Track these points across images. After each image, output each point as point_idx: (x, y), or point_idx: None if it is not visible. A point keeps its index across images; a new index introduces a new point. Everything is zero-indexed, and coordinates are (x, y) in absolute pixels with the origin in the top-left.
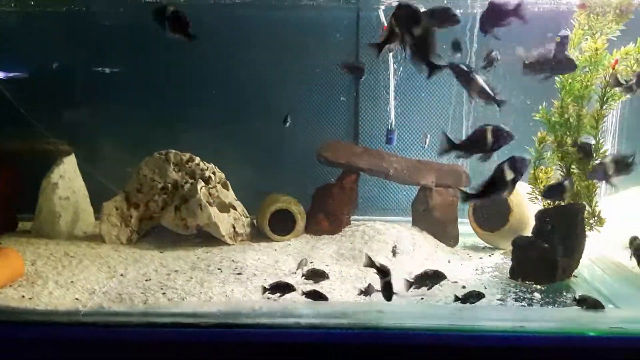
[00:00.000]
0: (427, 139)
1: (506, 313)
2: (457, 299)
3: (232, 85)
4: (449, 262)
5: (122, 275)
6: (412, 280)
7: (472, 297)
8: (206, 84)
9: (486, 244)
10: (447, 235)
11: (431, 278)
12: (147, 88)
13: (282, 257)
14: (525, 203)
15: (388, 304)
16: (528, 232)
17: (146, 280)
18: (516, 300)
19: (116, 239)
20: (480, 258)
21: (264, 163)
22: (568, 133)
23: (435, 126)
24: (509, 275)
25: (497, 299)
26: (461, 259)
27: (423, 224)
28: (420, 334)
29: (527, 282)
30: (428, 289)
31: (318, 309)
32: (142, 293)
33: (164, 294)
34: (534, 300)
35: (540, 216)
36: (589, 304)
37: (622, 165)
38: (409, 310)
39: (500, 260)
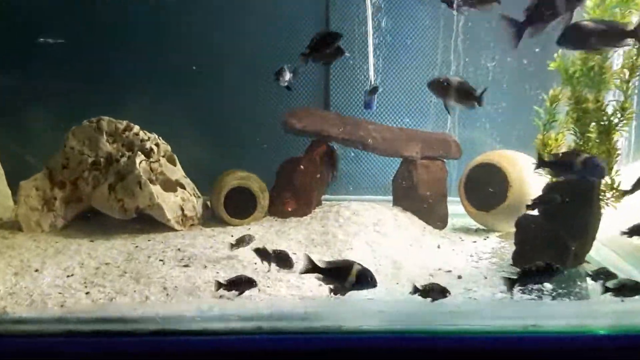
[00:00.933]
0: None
1: (513, 309)
2: (416, 290)
3: (183, 45)
4: (438, 247)
5: (36, 271)
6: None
7: (435, 291)
8: (150, 43)
9: (479, 226)
10: (434, 215)
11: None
12: (78, 48)
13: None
14: (526, 176)
15: (366, 301)
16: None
17: (67, 277)
18: (523, 292)
19: (36, 226)
20: (474, 242)
21: (219, 136)
22: (590, 87)
23: (422, 84)
24: (511, 262)
25: (501, 292)
26: (452, 243)
27: (406, 203)
28: (412, 337)
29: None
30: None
31: (283, 309)
32: (59, 293)
33: (87, 293)
34: (545, 292)
35: (548, 191)
36: (629, 289)
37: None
38: (396, 309)
39: (497, 244)
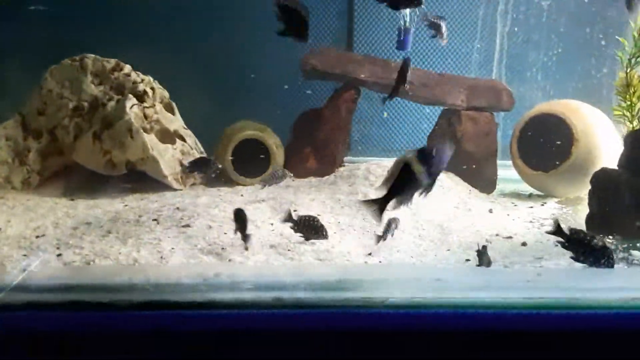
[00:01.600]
0: None
1: (602, 279)
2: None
3: None
4: (490, 211)
5: None
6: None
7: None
8: None
9: (533, 191)
10: (481, 176)
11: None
12: None
13: (251, 205)
14: (594, 129)
15: (413, 267)
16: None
17: (37, 237)
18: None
19: (5, 182)
20: (530, 207)
21: (224, 83)
22: None
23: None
24: (585, 227)
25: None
26: (504, 209)
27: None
28: (493, 313)
29: (613, 235)
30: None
31: (309, 275)
32: (24, 255)
33: (58, 256)
34: (635, 261)
35: (634, 140)
36: None
37: None
38: (456, 277)
39: (559, 210)
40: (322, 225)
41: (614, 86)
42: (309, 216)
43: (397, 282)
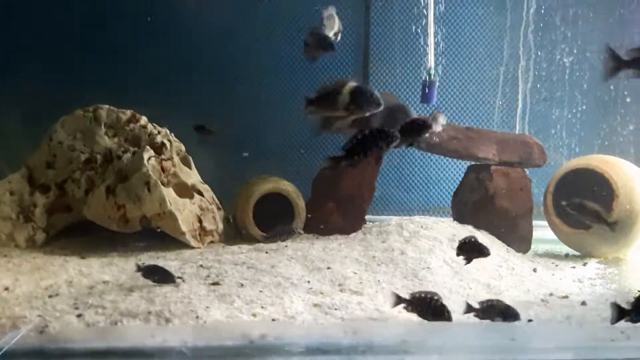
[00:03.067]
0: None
1: None
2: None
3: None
4: (534, 270)
5: (6, 289)
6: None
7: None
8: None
9: (569, 250)
10: (516, 235)
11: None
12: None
13: (281, 260)
14: (634, 184)
15: (488, 329)
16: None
17: (50, 297)
18: None
19: (8, 240)
20: (573, 267)
21: (238, 143)
22: None
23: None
24: None
25: None
26: (547, 268)
27: (478, 220)
28: None
29: None
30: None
31: (365, 335)
32: (38, 316)
33: (79, 316)
34: None
35: None
36: None
37: None
38: (536, 337)
39: (603, 270)
40: (442, 305)
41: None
42: (427, 293)
43: (468, 343)
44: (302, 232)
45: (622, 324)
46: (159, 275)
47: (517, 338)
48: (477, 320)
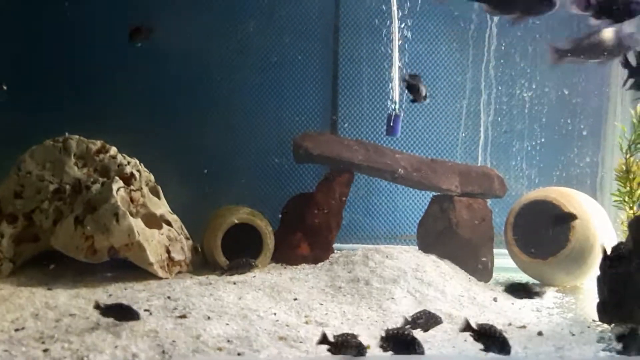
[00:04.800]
0: None
1: None
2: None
3: (163, 61)
4: (495, 300)
5: None
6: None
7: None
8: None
9: (528, 279)
10: (479, 264)
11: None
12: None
13: (248, 292)
14: (590, 216)
15: None
16: (596, 257)
17: (16, 331)
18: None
19: None
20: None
21: (206, 169)
22: None
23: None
24: (596, 317)
25: (603, 350)
26: (508, 298)
27: (441, 249)
28: None
29: (626, 322)
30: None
31: None
32: (4, 351)
33: (45, 351)
34: None
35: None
36: None
37: None
38: None
39: (560, 299)
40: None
41: (595, 175)
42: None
43: None
44: (259, 265)
45: (573, 355)
46: (120, 313)
47: None
48: (440, 352)
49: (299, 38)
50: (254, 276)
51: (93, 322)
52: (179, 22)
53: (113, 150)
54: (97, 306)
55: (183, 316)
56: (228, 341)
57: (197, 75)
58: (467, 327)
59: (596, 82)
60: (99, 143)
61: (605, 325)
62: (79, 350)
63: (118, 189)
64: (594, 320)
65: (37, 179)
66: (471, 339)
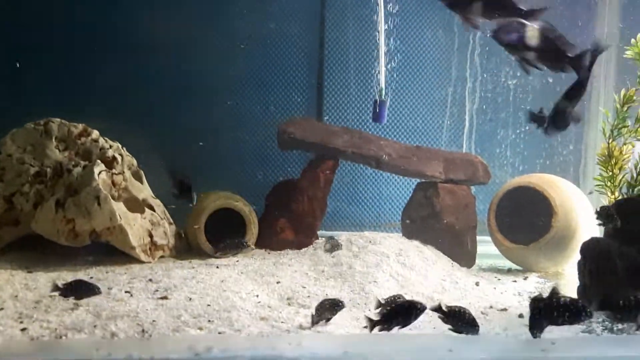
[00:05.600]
0: None
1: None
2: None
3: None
4: (477, 284)
5: None
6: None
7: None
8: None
9: (511, 265)
10: (462, 250)
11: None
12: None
13: (231, 275)
14: (572, 202)
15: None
16: (578, 243)
17: None
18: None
19: None
20: (514, 281)
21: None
22: None
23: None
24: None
25: (582, 332)
26: (490, 282)
27: (425, 236)
28: None
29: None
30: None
31: (310, 348)
32: None
33: (23, 330)
34: (637, 333)
35: (621, 210)
36: None
37: None
38: (473, 348)
39: (543, 284)
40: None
41: (579, 162)
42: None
43: (409, 353)
44: (252, 246)
45: (554, 335)
46: (80, 290)
47: (454, 349)
48: (420, 331)
49: (284, 23)
50: (237, 261)
51: (73, 303)
52: (162, 6)
53: (95, 133)
54: (55, 287)
55: (164, 297)
56: (209, 321)
57: (182, 61)
58: (437, 309)
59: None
60: (80, 126)
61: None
62: (58, 330)
63: (100, 173)
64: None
65: (17, 162)
66: None
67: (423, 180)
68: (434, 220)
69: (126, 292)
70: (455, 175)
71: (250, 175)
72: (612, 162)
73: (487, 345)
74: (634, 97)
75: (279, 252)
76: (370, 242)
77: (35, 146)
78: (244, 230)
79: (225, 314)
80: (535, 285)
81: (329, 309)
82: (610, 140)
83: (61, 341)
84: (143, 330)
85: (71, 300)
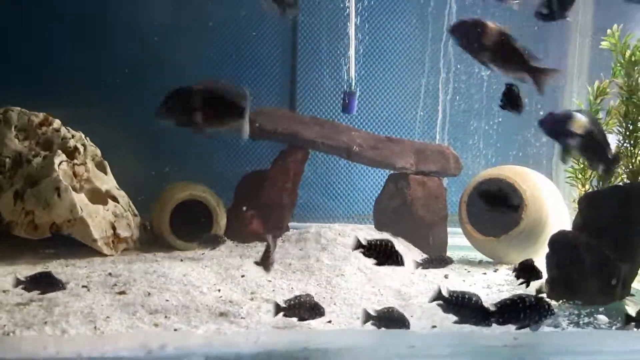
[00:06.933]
0: None
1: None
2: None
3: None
4: (446, 277)
5: None
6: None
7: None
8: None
9: (482, 257)
10: (432, 241)
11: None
12: None
13: (194, 269)
14: (543, 194)
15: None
16: (548, 235)
17: None
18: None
19: None
20: (484, 274)
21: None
22: None
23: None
24: (541, 293)
25: (547, 326)
26: (459, 275)
27: (396, 227)
28: None
29: (573, 302)
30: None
31: (268, 344)
32: None
33: None
34: (602, 326)
35: (590, 202)
36: None
37: None
38: (435, 343)
39: (510, 277)
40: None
41: (552, 154)
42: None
43: (369, 349)
44: (225, 240)
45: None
46: (44, 284)
47: (417, 345)
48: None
49: (255, 12)
50: (203, 253)
51: (27, 298)
52: None
53: (57, 123)
54: (17, 282)
55: (122, 292)
56: (166, 317)
57: (152, 49)
58: (438, 296)
59: (554, 60)
60: (41, 115)
61: (554, 302)
62: (7, 326)
63: (60, 163)
64: (540, 296)
65: None
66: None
67: (394, 171)
68: (404, 212)
69: (83, 286)
70: (426, 166)
71: (221, 165)
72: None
73: (451, 341)
74: (607, 90)
75: (247, 244)
76: (339, 234)
77: None
78: (210, 222)
79: (183, 310)
80: (504, 277)
81: (308, 309)
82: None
83: (8, 338)
84: (95, 327)
85: (24, 295)
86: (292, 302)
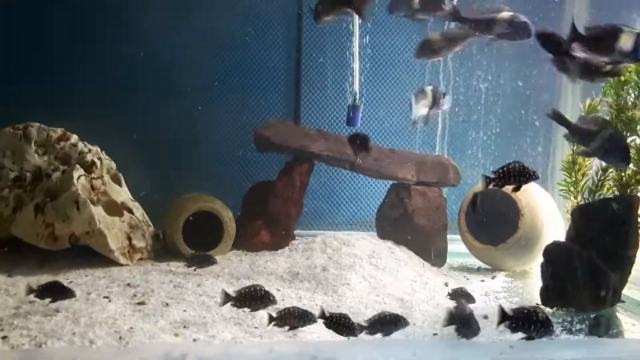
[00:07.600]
0: None
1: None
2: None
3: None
4: (446, 285)
5: None
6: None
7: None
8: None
9: (480, 264)
10: (432, 250)
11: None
12: None
13: (207, 278)
14: (538, 203)
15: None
16: (544, 243)
17: None
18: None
19: None
20: (482, 281)
21: (171, 157)
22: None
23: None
24: (540, 302)
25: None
26: (459, 282)
27: (398, 236)
28: None
29: (567, 309)
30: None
31: (282, 353)
32: None
33: (3, 338)
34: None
35: (581, 214)
36: None
37: None
38: (435, 352)
39: (509, 283)
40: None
41: (547, 165)
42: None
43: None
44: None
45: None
46: (55, 293)
47: (417, 353)
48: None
49: (261, 27)
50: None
51: (52, 309)
52: (141, 9)
53: (74, 138)
54: (30, 290)
55: (142, 303)
56: (185, 327)
57: (161, 63)
58: (503, 316)
59: (549, 75)
60: (59, 131)
61: (548, 309)
62: (37, 337)
63: (79, 177)
64: (537, 305)
65: None
66: (421, 324)
67: (396, 182)
68: (406, 221)
69: (104, 297)
70: (427, 177)
71: (229, 176)
72: (576, 169)
73: (451, 349)
74: (598, 107)
75: (255, 253)
76: (344, 244)
77: (15, 151)
78: (221, 233)
79: (200, 320)
80: (502, 285)
81: (297, 317)
82: (574, 148)
83: (40, 350)
84: (120, 338)
85: (50, 305)
86: (282, 312)
